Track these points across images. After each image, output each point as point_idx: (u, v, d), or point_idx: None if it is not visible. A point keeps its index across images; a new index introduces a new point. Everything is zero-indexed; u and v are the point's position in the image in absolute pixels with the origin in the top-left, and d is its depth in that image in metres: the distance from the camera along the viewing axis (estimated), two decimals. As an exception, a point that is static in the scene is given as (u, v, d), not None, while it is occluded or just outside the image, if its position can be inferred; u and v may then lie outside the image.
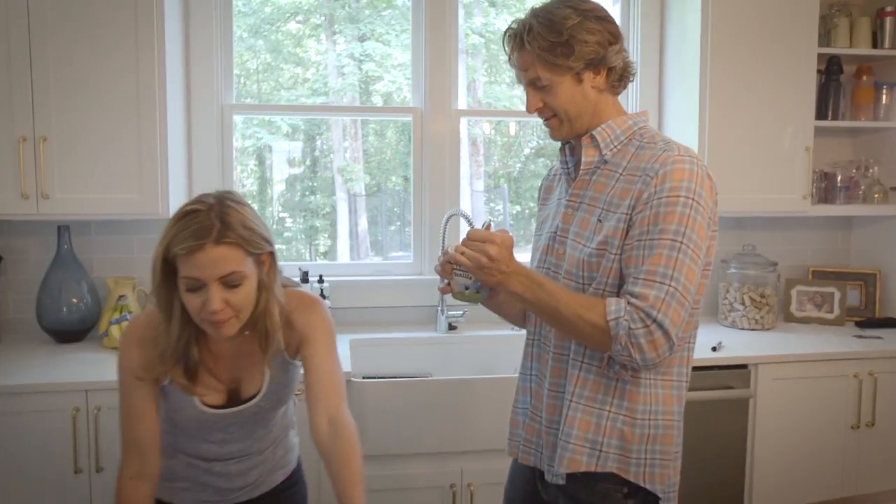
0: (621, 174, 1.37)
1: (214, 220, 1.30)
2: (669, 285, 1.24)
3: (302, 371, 1.51)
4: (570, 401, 1.38)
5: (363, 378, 2.57)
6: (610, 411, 1.36)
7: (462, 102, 3.17)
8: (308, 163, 3.01)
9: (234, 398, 1.47)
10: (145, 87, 2.30)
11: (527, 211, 3.60)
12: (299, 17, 3.03)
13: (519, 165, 3.54)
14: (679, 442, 1.41)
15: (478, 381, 2.31)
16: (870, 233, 3.11)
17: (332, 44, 3.04)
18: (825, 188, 2.96)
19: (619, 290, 1.33)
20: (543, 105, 1.40)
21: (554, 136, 1.45)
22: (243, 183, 2.97)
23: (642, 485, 1.36)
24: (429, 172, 2.85)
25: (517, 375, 1.60)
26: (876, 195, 2.94)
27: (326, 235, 3.19)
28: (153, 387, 1.44)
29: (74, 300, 2.48)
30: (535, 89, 1.39)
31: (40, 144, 2.26)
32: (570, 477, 1.38)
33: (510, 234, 1.35)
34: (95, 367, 2.22)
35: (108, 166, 2.31)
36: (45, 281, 2.50)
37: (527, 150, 3.54)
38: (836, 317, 2.90)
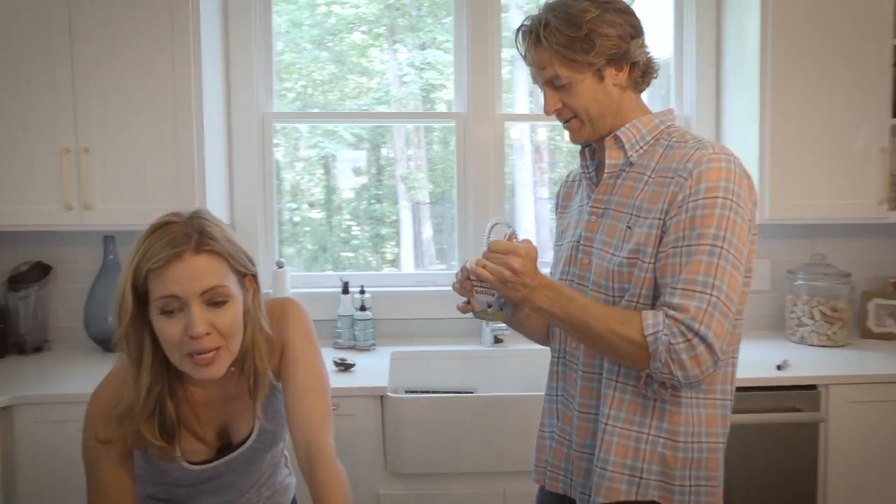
0: (650, 176, 1.27)
1: (191, 230, 1.14)
2: (711, 294, 1.15)
3: None
4: (606, 424, 1.27)
5: (405, 393, 2.51)
6: (649, 434, 1.25)
7: (523, 107, 3.07)
8: (374, 171, 2.99)
9: (223, 446, 1.30)
10: (182, 97, 2.30)
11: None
12: (363, 28, 3.03)
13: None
14: (722, 466, 1.29)
15: (524, 399, 2.18)
16: (957, 240, 2.84)
17: (392, 53, 3.02)
18: (905, 192, 2.71)
19: (653, 301, 1.23)
20: (563, 106, 1.31)
21: (574, 140, 1.36)
22: (312, 192, 2.98)
23: None
24: (473, 179, 2.75)
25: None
26: (963, 199, 2.67)
27: (393, 244, 3.17)
28: (127, 465, 1.22)
29: (118, 310, 2.49)
30: (554, 89, 1.30)
31: (82, 156, 2.28)
32: None
33: (534, 245, 1.24)
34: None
35: (147, 176, 2.31)
36: (92, 290, 2.53)
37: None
38: (920, 333, 2.65)
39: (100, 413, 1.20)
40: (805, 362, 2.35)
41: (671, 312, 1.16)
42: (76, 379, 2.19)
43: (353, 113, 2.90)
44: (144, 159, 2.30)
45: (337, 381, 2.18)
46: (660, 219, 1.22)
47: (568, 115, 1.32)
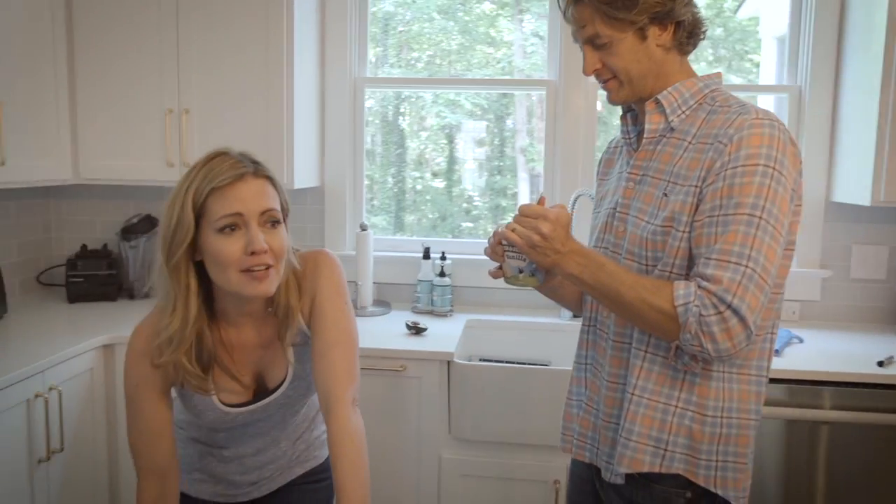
0: (690, 142, 1.21)
1: (245, 160, 1.24)
2: (746, 266, 1.09)
3: None
4: (632, 394, 1.24)
5: (479, 361, 2.51)
6: (677, 406, 1.22)
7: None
8: (497, 142, 3.00)
9: (259, 390, 1.35)
10: (273, 63, 2.39)
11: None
12: None
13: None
14: (753, 443, 1.25)
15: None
16: None
17: (518, 23, 2.99)
18: None
19: (687, 272, 1.18)
20: (602, 66, 1.26)
21: (612, 100, 1.30)
22: (436, 161, 3.04)
23: (712, 489, 1.21)
24: (561, 149, 2.68)
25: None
26: None
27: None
28: (166, 398, 1.30)
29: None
30: (594, 48, 1.25)
31: (183, 116, 2.42)
32: (629, 477, 1.26)
33: (567, 210, 1.21)
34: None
35: (239, 137, 2.42)
36: (193, 244, 2.71)
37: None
38: None
39: (141, 348, 1.28)
40: (914, 361, 2.14)
41: (704, 283, 1.11)
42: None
43: (442, 80, 2.89)
44: (237, 120, 2.42)
45: (406, 343, 2.22)
46: (696, 186, 1.16)
47: (607, 76, 1.26)
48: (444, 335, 2.33)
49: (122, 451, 2.23)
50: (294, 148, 2.44)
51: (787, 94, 2.59)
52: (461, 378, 2.15)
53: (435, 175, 3.05)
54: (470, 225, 2.95)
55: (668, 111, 1.25)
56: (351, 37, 2.72)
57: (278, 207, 1.25)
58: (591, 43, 1.24)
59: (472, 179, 3.02)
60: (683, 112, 1.24)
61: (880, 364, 2.08)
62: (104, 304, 2.61)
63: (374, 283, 2.72)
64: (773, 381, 2.02)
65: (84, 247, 2.71)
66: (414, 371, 2.16)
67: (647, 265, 1.23)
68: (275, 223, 1.23)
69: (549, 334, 2.55)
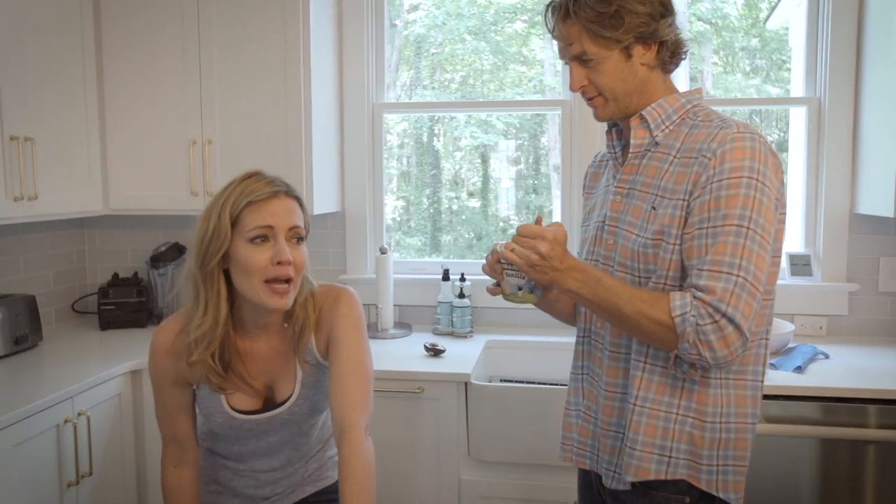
0: (675, 156, 1.26)
1: (278, 181, 1.38)
2: (738, 276, 1.14)
3: None
4: (634, 405, 1.28)
5: (500, 381, 2.51)
6: (678, 414, 1.26)
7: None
8: (531, 161, 3.03)
9: (268, 403, 1.45)
10: (292, 93, 2.45)
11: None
12: (524, 17, 3.05)
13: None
14: (751, 447, 1.29)
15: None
16: None
17: (549, 41, 3.03)
18: None
19: (681, 283, 1.23)
20: (588, 83, 1.31)
21: (598, 117, 1.36)
22: (472, 181, 3.08)
23: (714, 493, 1.25)
24: (578, 167, 2.69)
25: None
26: None
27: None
28: (183, 387, 1.45)
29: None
30: (580, 65, 1.30)
31: (206, 147, 2.50)
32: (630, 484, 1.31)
33: (564, 228, 1.26)
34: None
35: (261, 166, 2.40)
36: (219, 270, 2.78)
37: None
38: None
39: (165, 344, 1.43)
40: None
41: (698, 294, 1.16)
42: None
43: (460, 102, 2.93)
44: (258, 149, 2.49)
45: (424, 365, 2.24)
46: (684, 200, 1.21)
47: (593, 93, 1.32)
48: (463, 356, 2.34)
49: (150, 474, 2.29)
50: (313, 174, 2.49)
51: (807, 106, 2.56)
52: (479, 399, 2.15)
53: (471, 195, 3.08)
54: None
55: (652, 126, 1.29)
56: (368, 64, 2.77)
57: (303, 226, 1.39)
58: (578, 60, 1.29)
59: (506, 198, 3.04)
60: (667, 127, 1.29)
61: (910, 380, 2.02)
62: (134, 331, 2.69)
63: (396, 305, 2.75)
64: (802, 398, 1.97)
65: (115, 275, 2.81)
66: (431, 393, 2.17)
67: (639, 277, 1.27)
68: (299, 239, 1.37)
69: (569, 354, 2.53)
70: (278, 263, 1.31)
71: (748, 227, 1.15)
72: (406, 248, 3.00)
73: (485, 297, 2.68)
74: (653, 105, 1.30)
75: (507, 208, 3.00)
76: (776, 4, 2.91)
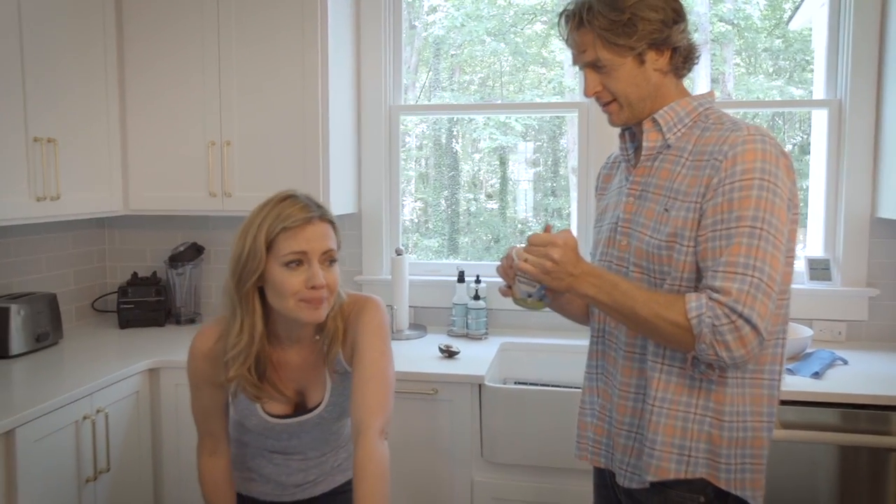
0: (687, 159, 1.28)
1: (312, 204, 1.40)
2: (753, 276, 1.16)
3: None
4: (653, 405, 1.30)
5: (515, 384, 2.51)
6: (696, 413, 1.28)
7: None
8: (550, 163, 3.02)
9: (299, 408, 1.51)
10: (309, 95, 2.47)
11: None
12: (544, 18, 3.04)
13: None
14: (768, 445, 1.31)
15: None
16: None
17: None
18: None
19: (696, 284, 1.25)
20: (602, 89, 1.33)
21: (613, 122, 1.38)
22: (491, 183, 3.08)
23: (734, 491, 1.27)
24: (595, 169, 2.68)
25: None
26: None
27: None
28: (218, 389, 1.50)
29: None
30: (594, 72, 1.32)
31: (225, 148, 2.53)
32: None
33: (573, 234, 1.28)
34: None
35: (278, 167, 2.52)
36: (237, 270, 2.81)
37: (788, 146, 3.08)
38: None
39: (203, 349, 1.47)
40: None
41: (714, 295, 1.17)
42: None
43: (476, 105, 2.94)
44: (276, 150, 2.51)
45: (438, 367, 2.24)
46: (697, 202, 1.22)
47: (607, 99, 1.34)
48: (477, 358, 2.34)
49: (167, 471, 2.32)
50: (330, 176, 2.51)
51: (828, 109, 2.53)
52: (492, 401, 2.15)
53: (489, 196, 3.07)
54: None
55: (664, 129, 1.31)
56: (385, 66, 2.79)
57: (336, 248, 1.42)
58: (592, 67, 1.31)
59: (524, 200, 3.03)
60: (679, 130, 1.31)
61: (931, 387, 1.99)
62: (152, 330, 2.73)
63: (411, 306, 2.76)
64: (819, 404, 1.95)
65: (135, 274, 2.84)
66: (445, 394, 2.17)
67: (654, 278, 1.29)
68: (332, 262, 1.41)
69: (583, 357, 2.52)
70: (312, 287, 1.35)
71: (761, 228, 1.16)
72: (423, 249, 3.01)
73: (500, 300, 2.71)
74: (665, 108, 1.31)
75: (525, 210, 2.98)
76: (799, 5, 2.88)
